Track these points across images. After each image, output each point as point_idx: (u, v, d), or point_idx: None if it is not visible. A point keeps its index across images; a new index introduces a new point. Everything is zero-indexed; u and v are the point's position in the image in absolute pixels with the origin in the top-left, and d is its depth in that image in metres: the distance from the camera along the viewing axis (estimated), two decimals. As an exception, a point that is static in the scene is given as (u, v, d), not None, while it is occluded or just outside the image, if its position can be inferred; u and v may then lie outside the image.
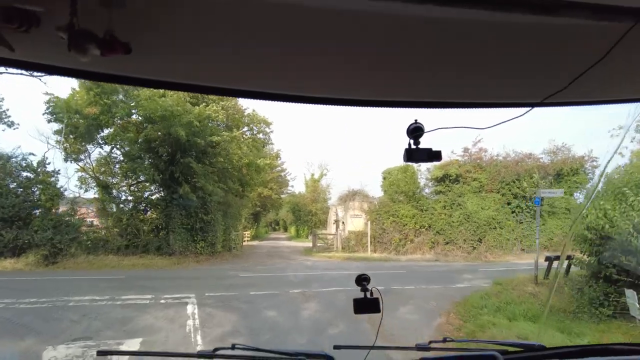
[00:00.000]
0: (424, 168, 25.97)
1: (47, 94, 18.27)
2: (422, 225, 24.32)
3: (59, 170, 19.29)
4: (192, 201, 19.89)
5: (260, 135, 22.01)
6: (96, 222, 21.35)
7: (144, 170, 18.78)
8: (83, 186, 21.01)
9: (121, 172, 20.89)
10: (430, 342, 1.72)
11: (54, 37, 0.84)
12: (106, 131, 18.90)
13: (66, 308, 9.66)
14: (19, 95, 39.22)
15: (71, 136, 19.31)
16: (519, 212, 24.35)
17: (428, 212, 24.52)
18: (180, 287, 12.44)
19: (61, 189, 19.28)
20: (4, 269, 16.82)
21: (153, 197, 20.83)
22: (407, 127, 1.35)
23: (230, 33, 0.99)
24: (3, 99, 19.33)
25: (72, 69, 1.13)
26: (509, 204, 24.59)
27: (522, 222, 24.21)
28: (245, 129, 21.68)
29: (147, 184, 21.29)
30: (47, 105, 17.34)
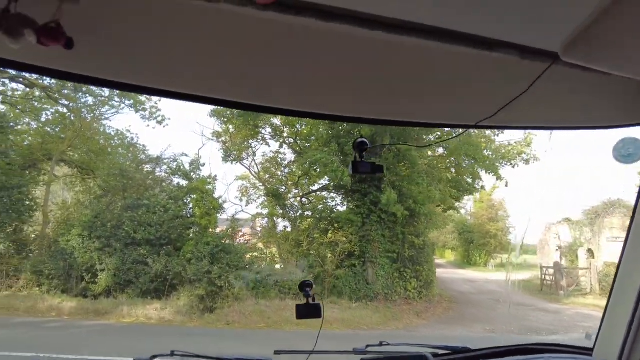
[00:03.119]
0: None
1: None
2: None
3: (215, 175, 12.76)
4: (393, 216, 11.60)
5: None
6: (260, 245, 14.28)
7: (328, 167, 11.03)
8: (244, 197, 14.27)
9: (292, 174, 13.62)
10: (368, 346, 1.73)
11: None
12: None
13: None
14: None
15: (230, 127, 12.69)
16: None
17: None
18: None
19: (219, 200, 12.68)
20: (146, 319, 10.31)
21: (339, 210, 13.00)
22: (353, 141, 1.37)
23: (186, 38, 0.97)
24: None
25: (7, 60, 0.97)
26: None
27: None
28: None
29: (329, 192, 13.64)
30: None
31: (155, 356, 1.53)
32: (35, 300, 10.67)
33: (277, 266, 13.34)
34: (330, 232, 13.05)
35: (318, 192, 13.92)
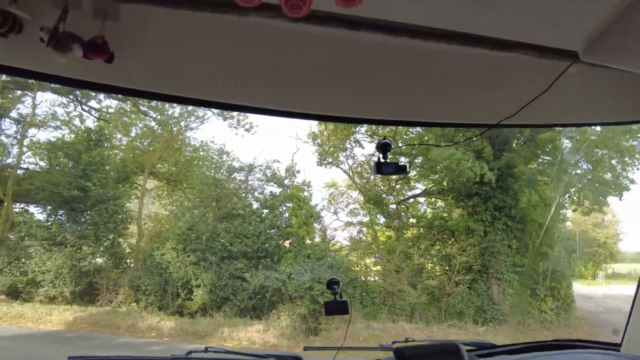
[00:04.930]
0: None
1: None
2: None
3: (309, 181, 11.20)
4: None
5: None
6: (352, 257, 12.39)
7: (461, 165, 8.90)
8: (331, 205, 12.59)
9: (386, 177, 11.71)
10: (394, 342, 1.73)
11: (35, 42, 0.79)
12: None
13: None
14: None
15: (325, 131, 11.13)
16: None
17: None
18: None
19: (315, 208, 11.08)
20: (250, 343, 8.80)
21: (450, 217, 10.81)
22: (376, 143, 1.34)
23: (222, 50, 0.99)
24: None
25: (49, 74, 1.03)
26: None
27: None
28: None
29: (428, 196, 11.53)
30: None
31: (191, 352, 1.55)
32: (135, 319, 9.63)
33: (374, 279, 11.39)
34: (438, 242, 10.87)
35: (419, 197, 11.84)
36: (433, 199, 11.70)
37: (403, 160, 12.18)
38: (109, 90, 1.09)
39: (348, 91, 1.20)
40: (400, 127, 10.84)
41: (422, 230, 10.79)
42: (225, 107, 1.25)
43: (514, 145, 9.68)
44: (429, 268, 10.35)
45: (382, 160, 1.29)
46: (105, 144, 13.31)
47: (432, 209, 11.23)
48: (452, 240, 10.57)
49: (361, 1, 0.68)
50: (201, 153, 14.51)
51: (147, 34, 0.92)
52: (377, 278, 10.93)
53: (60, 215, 11.87)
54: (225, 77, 1.09)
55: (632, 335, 1.53)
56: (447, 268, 10.25)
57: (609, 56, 0.87)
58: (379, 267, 11.59)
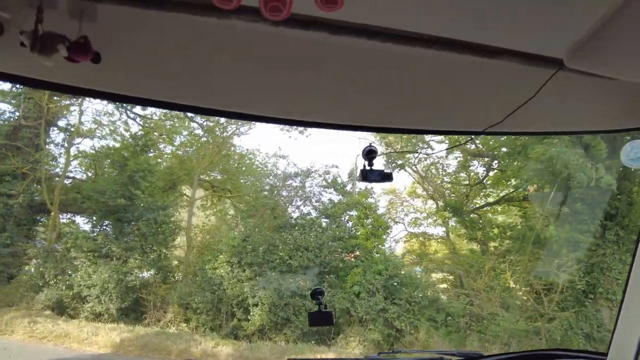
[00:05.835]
0: None
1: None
2: None
3: (372, 187, 9.87)
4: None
5: None
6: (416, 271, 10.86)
7: (570, 166, 7.36)
8: (389, 213, 11.16)
9: (455, 182, 10.24)
10: (379, 353, 1.68)
11: (17, 46, 0.75)
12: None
13: None
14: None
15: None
16: None
17: None
18: None
19: (384, 218, 9.71)
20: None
21: (546, 226, 9.14)
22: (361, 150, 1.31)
23: (202, 53, 0.96)
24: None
25: (34, 79, 1.00)
26: None
27: None
28: None
29: (504, 204, 9.94)
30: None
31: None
32: (187, 342, 8.48)
33: (449, 298, 9.83)
34: (531, 257, 9.20)
35: (497, 204, 10.25)
36: (516, 206, 10.08)
37: (476, 163, 10.72)
38: (89, 94, 1.06)
39: (331, 97, 1.15)
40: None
41: (510, 242, 9.18)
42: (204, 112, 1.16)
43: (629, 138, 8.05)
44: (521, 287, 8.71)
45: (367, 167, 1.25)
46: (151, 151, 12.59)
47: (521, 217, 9.61)
48: (548, 254, 8.89)
49: (343, 4, 0.63)
50: (247, 161, 13.59)
51: (124, 36, 0.87)
52: (445, 296, 9.37)
53: (106, 226, 11.09)
54: (204, 81, 1.05)
55: (619, 343, 1.29)
56: (543, 288, 8.58)
57: (594, 63, 0.86)
58: (447, 284, 10.08)
